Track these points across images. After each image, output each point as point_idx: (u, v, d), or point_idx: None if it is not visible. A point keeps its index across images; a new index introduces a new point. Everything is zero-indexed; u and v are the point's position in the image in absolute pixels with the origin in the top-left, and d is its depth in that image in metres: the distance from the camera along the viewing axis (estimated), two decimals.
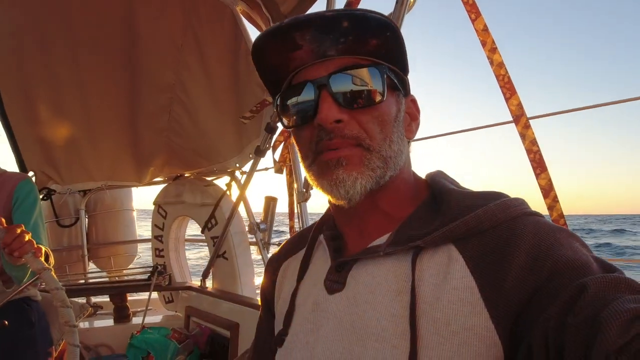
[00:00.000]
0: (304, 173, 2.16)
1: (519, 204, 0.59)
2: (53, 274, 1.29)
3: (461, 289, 0.54)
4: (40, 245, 1.38)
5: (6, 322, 1.60)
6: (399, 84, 0.65)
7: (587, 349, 0.42)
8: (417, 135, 0.75)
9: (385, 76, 0.61)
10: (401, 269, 0.60)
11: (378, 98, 0.61)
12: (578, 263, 0.50)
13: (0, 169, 1.79)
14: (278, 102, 0.67)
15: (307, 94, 0.62)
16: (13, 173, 1.82)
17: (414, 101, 0.71)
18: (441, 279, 0.56)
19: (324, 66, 0.62)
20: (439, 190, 0.65)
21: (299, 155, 0.68)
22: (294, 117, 0.64)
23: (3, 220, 1.36)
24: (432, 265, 0.58)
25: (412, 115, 0.70)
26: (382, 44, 0.62)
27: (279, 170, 2.15)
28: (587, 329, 0.43)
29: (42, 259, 1.34)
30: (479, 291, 0.53)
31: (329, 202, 0.70)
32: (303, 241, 0.80)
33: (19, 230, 1.33)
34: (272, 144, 2.14)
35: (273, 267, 0.85)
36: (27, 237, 1.34)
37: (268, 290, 0.84)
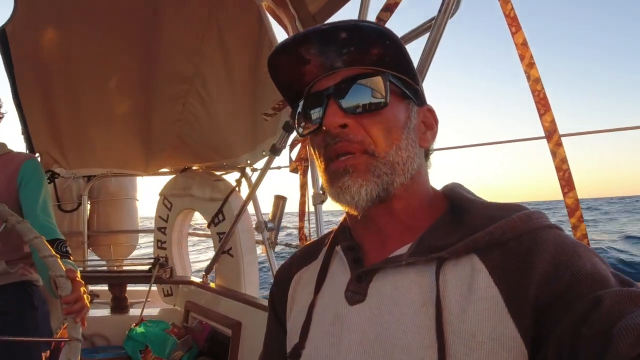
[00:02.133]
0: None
1: (541, 216, 0.61)
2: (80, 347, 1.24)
3: (486, 299, 0.55)
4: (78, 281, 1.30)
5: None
6: (409, 92, 0.68)
7: None
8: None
9: (388, 83, 0.64)
10: (424, 280, 0.60)
11: (381, 104, 0.64)
12: (597, 276, 0.51)
13: (6, 148, 1.75)
14: (296, 114, 0.71)
15: (317, 104, 0.66)
16: (18, 153, 1.79)
17: (430, 111, 0.73)
18: (466, 290, 0.57)
19: (332, 78, 0.66)
20: (459, 201, 0.67)
21: (316, 162, 0.71)
22: (307, 127, 0.69)
23: (78, 274, 1.31)
24: (455, 276, 0.59)
25: (428, 124, 0.72)
26: (384, 53, 0.64)
27: (294, 170, 2.13)
28: (600, 341, 0.44)
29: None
30: (503, 301, 0.54)
31: (346, 212, 0.72)
32: (316, 252, 0.81)
33: (82, 292, 1.27)
34: (289, 143, 2.12)
35: (284, 277, 0.84)
36: (86, 299, 1.29)
37: (278, 300, 0.83)
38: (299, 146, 2.12)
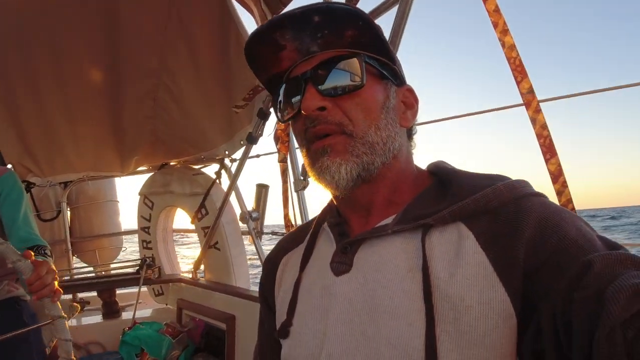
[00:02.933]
0: (301, 160, 2.09)
1: (525, 184, 0.62)
2: (66, 324, 1.27)
3: (474, 264, 0.55)
4: (58, 290, 1.32)
5: None
6: (387, 72, 0.68)
7: (592, 323, 0.43)
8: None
9: (364, 64, 0.64)
10: (410, 247, 0.61)
11: (357, 85, 0.64)
12: (583, 240, 0.52)
13: None
14: (277, 101, 0.71)
15: (296, 89, 0.66)
16: None
17: (410, 90, 0.73)
18: (453, 256, 0.57)
19: (309, 62, 0.66)
20: (445, 174, 0.68)
21: (298, 146, 0.71)
22: (287, 112, 0.69)
23: (32, 254, 1.30)
24: (442, 242, 0.59)
25: (409, 104, 0.72)
26: (358, 34, 0.65)
27: (283, 160, 2.08)
28: (593, 304, 0.44)
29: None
30: (492, 266, 0.55)
31: (324, 188, 0.72)
32: (303, 235, 0.81)
33: (44, 271, 1.28)
34: (270, 133, 2.06)
35: (272, 263, 0.84)
36: (50, 278, 1.29)
37: (267, 288, 0.83)
38: (273, 133, 2.06)
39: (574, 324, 0.45)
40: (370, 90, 0.65)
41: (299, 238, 0.82)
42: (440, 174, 0.69)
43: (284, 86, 0.69)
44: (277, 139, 2.06)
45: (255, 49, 0.68)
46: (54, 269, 1.34)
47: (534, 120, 1.30)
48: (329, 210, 0.78)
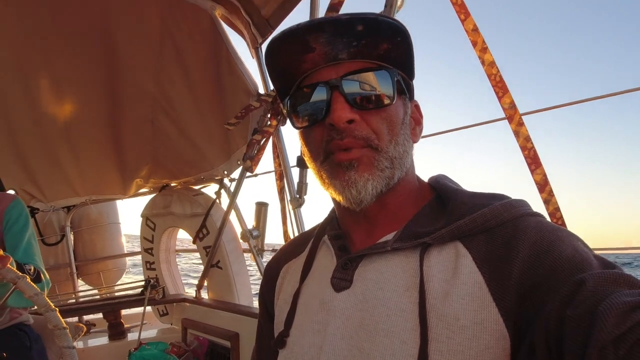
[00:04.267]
0: (295, 178, 2.11)
1: (523, 204, 0.62)
2: (29, 280, 1.23)
3: (469, 284, 0.56)
4: (7, 255, 1.27)
5: (5, 354, 1.56)
6: (405, 88, 0.67)
7: (584, 341, 0.43)
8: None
9: (395, 80, 0.64)
10: (409, 265, 0.61)
11: (387, 101, 0.63)
12: (578, 259, 0.52)
13: None
14: (288, 104, 0.69)
15: (319, 95, 0.63)
16: (1, 194, 1.78)
17: (417, 106, 0.73)
18: (450, 275, 0.58)
19: (335, 69, 0.64)
20: (444, 191, 0.68)
21: (305, 156, 0.70)
22: (305, 118, 0.66)
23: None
24: (440, 261, 0.59)
25: (417, 119, 0.72)
26: (392, 49, 0.64)
27: (249, 169, 2.12)
28: (585, 321, 0.44)
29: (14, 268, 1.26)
30: (486, 286, 0.55)
31: (335, 203, 0.72)
32: (304, 243, 0.81)
33: None
34: (247, 143, 2.11)
35: (273, 270, 0.84)
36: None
37: (267, 295, 0.83)
38: (259, 146, 2.10)
39: (566, 341, 0.45)
40: (395, 106, 0.65)
41: (299, 247, 0.82)
42: (440, 189, 0.69)
43: (302, 90, 0.66)
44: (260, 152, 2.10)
45: (280, 46, 0.65)
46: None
47: (517, 133, 1.34)
48: (329, 221, 0.78)
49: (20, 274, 1.26)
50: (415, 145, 0.73)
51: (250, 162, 2.07)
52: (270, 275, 0.84)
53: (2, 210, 1.69)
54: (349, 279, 0.65)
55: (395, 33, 0.62)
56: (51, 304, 1.27)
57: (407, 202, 0.68)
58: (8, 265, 1.26)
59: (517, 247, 0.55)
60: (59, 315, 1.28)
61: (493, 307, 0.54)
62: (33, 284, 1.26)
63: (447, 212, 0.63)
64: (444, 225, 0.61)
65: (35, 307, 1.28)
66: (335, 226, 0.75)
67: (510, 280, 0.54)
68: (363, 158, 0.62)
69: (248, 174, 2.34)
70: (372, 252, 0.65)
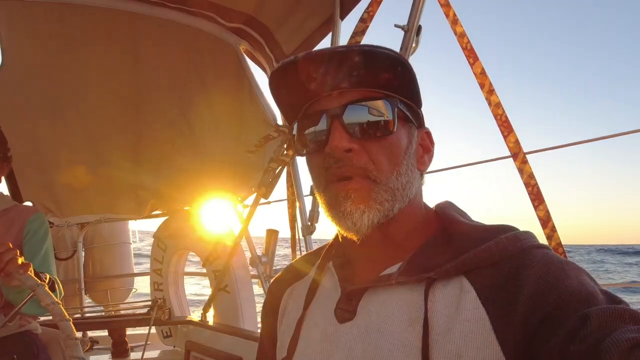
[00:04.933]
0: (307, 206, 2.18)
1: (529, 237, 0.61)
2: (47, 289, 1.30)
3: (473, 320, 0.56)
4: (28, 262, 1.36)
5: (15, 357, 1.61)
6: (411, 116, 0.67)
7: None
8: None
9: (396, 109, 0.64)
10: (413, 299, 0.61)
11: (388, 130, 0.63)
12: (584, 294, 0.52)
13: (11, 201, 1.83)
14: (295, 130, 0.70)
15: (321, 123, 0.65)
16: (24, 206, 1.88)
17: (428, 134, 0.72)
18: (453, 310, 0.58)
19: (337, 97, 0.65)
20: (449, 222, 0.68)
21: (312, 182, 0.71)
22: (307, 144, 0.68)
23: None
24: (444, 296, 0.59)
25: (426, 147, 0.72)
26: (394, 78, 0.64)
27: (264, 195, 2.19)
28: (589, 358, 0.44)
29: (33, 275, 1.33)
30: (490, 322, 0.55)
31: (338, 229, 0.71)
32: (310, 266, 0.81)
33: (1, 250, 1.32)
34: (263, 171, 2.19)
35: (277, 288, 0.85)
36: (11, 255, 1.33)
37: (271, 313, 0.84)
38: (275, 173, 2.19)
39: None
40: (396, 135, 0.64)
41: (305, 269, 0.82)
42: (446, 221, 0.69)
43: (306, 118, 0.67)
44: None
45: (283, 75, 0.66)
46: (11, 246, 1.36)
47: (521, 171, 1.41)
48: (334, 246, 0.78)
49: (39, 281, 1.32)
50: (424, 173, 0.73)
51: (265, 188, 2.15)
52: (274, 293, 0.85)
53: (24, 222, 1.78)
54: (352, 310, 0.66)
55: (395, 63, 0.62)
56: (66, 314, 1.33)
57: (412, 233, 0.68)
58: (29, 272, 1.33)
59: (522, 281, 0.55)
60: (72, 326, 1.34)
61: (496, 345, 0.54)
62: (50, 292, 1.32)
63: (453, 245, 0.63)
64: (449, 259, 0.60)
65: (50, 315, 1.34)
66: (340, 253, 0.75)
67: (515, 316, 0.53)
68: (361, 190, 0.62)
69: (262, 200, 2.42)
70: (377, 285, 0.65)
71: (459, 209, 0.72)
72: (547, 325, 0.51)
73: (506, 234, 0.61)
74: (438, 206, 0.73)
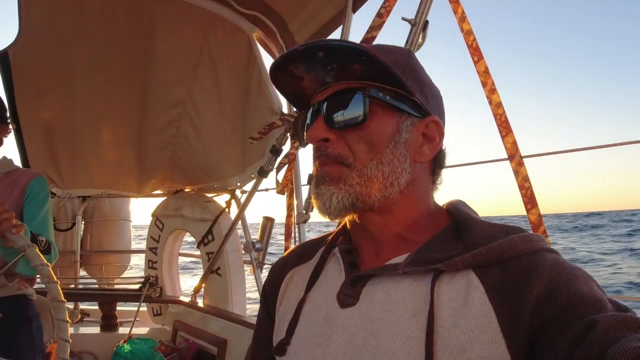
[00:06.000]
0: (304, 195, 2.21)
1: (540, 239, 0.61)
2: (37, 250, 1.33)
3: (480, 316, 0.55)
4: (22, 224, 1.39)
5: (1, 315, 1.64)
6: (401, 104, 0.66)
7: None
8: None
9: (367, 97, 0.64)
10: (419, 290, 0.60)
11: (359, 118, 0.64)
12: (592, 300, 0.52)
13: (14, 164, 1.86)
14: (300, 124, 0.75)
15: (309, 117, 0.71)
16: (26, 170, 1.90)
17: (436, 122, 0.70)
18: (460, 305, 0.57)
19: (324, 92, 0.69)
20: (461, 218, 0.67)
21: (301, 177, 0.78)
22: (304, 136, 0.73)
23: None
24: (451, 289, 0.59)
25: (430, 137, 0.70)
26: (367, 68, 0.64)
27: (281, 192, 2.21)
28: None
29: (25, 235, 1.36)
30: (497, 320, 0.55)
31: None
32: (312, 252, 0.82)
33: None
34: (276, 166, 2.21)
35: (279, 271, 0.85)
36: (7, 215, 1.35)
37: (270, 295, 0.84)
38: (285, 168, 2.21)
39: None
40: (376, 124, 0.65)
41: (308, 254, 0.82)
42: (457, 216, 0.69)
43: (309, 111, 0.71)
44: (278, 172, 2.19)
45: (278, 78, 0.71)
46: (6, 207, 1.39)
47: (516, 173, 1.41)
48: (341, 233, 0.79)
49: (30, 242, 1.34)
50: (442, 167, 0.74)
51: (280, 185, 2.17)
52: (275, 277, 0.85)
53: (26, 183, 1.80)
54: (355, 296, 0.65)
55: (356, 53, 0.63)
56: (54, 276, 1.35)
57: (416, 225, 0.68)
58: (21, 233, 1.36)
59: (532, 283, 0.55)
60: (59, 289, 1.36)
61: (502, 342, 0.53)
62: (41, 254, 1.34)
63: (463, 240, 0.63)
64: (459, 253, 0.60)
65: (39, 277, 1.36)
66: (346, 239, 0.76)
67: (522, 316, 0.53)
68: (333, 173, 0.65)
69: (260, 187, 2.44)
70: (382, 274, 0.65)
71: (470, 207, 0.73)
72: (554, 328, 0.51)
73: (518, 234, 0.61)
74: (449, 203, 0.73)
